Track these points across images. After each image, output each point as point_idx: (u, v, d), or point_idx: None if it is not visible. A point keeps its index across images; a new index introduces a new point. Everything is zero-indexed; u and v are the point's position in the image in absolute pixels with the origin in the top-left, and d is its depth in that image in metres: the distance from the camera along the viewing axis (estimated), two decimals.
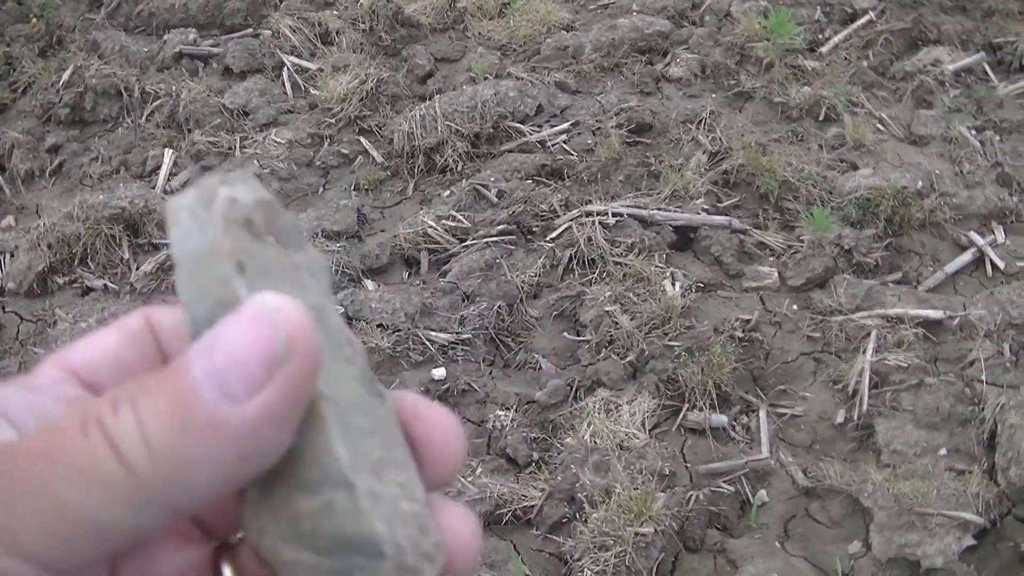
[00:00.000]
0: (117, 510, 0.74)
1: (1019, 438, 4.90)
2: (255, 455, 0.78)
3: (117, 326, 0.92)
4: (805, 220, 6.25)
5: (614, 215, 6.25)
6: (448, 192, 6.71)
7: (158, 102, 7.59)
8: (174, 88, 7.66)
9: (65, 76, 7.72)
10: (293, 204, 6.79)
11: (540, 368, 5.65)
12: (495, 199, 6.49)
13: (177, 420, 0.75)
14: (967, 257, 6.26)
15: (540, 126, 7.15)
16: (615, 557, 4.54)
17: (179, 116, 7.48)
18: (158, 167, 7.13)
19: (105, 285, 6.32)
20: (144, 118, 7.55)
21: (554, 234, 6.28)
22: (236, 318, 0.78)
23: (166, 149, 7.25)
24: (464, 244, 6.27)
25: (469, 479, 5.06)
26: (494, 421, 5.35)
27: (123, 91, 7.63)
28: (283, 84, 7.82)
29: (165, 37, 8.21)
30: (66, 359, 0.89)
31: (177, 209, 0.84)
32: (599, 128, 6.99)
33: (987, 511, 4.77)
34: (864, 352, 5.51)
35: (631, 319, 5.65)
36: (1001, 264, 6.19)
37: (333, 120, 7.39)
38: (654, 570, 4.65)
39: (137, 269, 6.39)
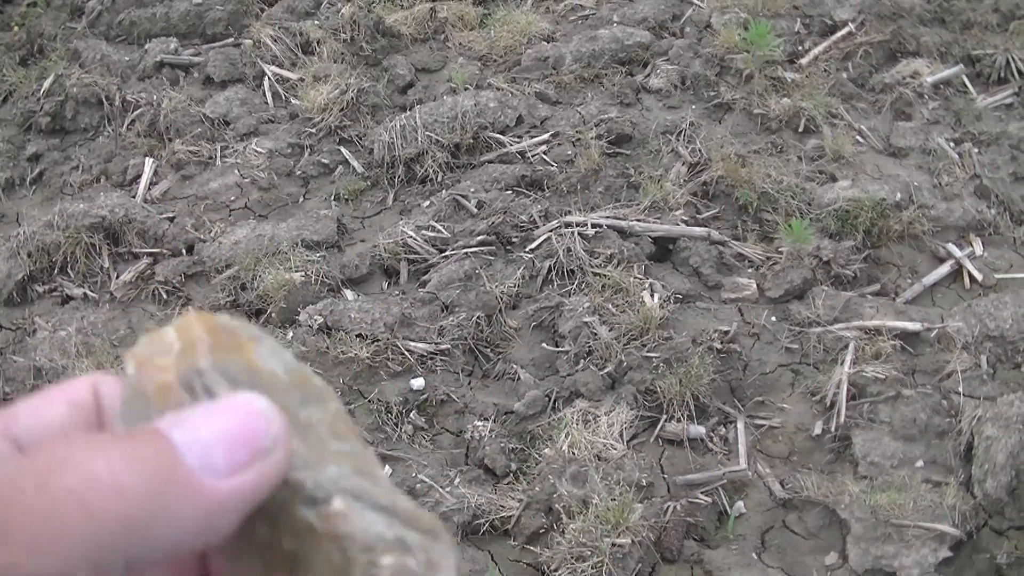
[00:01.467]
0: (71, 558, 0.73)
1: (995, 450, 4.92)
2: (217, 526, 0.79)
3: (63, 393, 0.92)
4: (784, 231, 6.27)
5: (593, 226, 6.27)
6: (428, 202, 6.71)
7: (139, 111, 7.60)
8: (155, 97, 7.66)
9: (46, 85, 7.73)
10: (274, 214, 6.80)
11: (518, 379, 5.66)
12: (475, 209, 6.50)
13: (154, 476, 0.76)
14: (945, 269, 6.28)
15: (520, 137, 7.16)
16: (592, 568, 4.56)
17: (160, 125, 7.48)
18: (139, 176, 7.13)
19: (85, 294, 6.32)
20: (125, 127, 7.55)
21: (533, 245, 6.29)
22: (226, 404, 0.82)
23: (147, 158, 7.25)
24: (443, 254, 6.28)
25: (447, 489, 5.07)
26: (472, 431, 5.37)
27: (104, 100, 7.63)
28: (264, 94, 7.83)
29: (146, 46, 8.21)
30: (8, 426, 0.88)
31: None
32: (579, 139, 7.00)
33: (963, 523, 4.79)
34: (842, 364, 5.53)
35: (609, 330, 5.67)
36: (979, 276, 6.21)
37: (313, 130, 7.40)
38: None
39: (117, 278, 6.39)
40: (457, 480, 5.15)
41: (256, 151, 7.24)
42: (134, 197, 6.91)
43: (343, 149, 7.27)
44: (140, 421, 0.85)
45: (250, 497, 0.80)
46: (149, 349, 0.88)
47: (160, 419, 0.81)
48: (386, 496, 0.86)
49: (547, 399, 5.49)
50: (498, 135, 7.13)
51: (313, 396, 0.91)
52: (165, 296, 6.28)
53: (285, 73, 7.93)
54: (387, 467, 5.23)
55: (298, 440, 0.85)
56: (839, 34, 8.07)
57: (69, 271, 6.44)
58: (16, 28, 8.40)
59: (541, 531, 4.87)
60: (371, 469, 0.89)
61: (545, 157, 6.97)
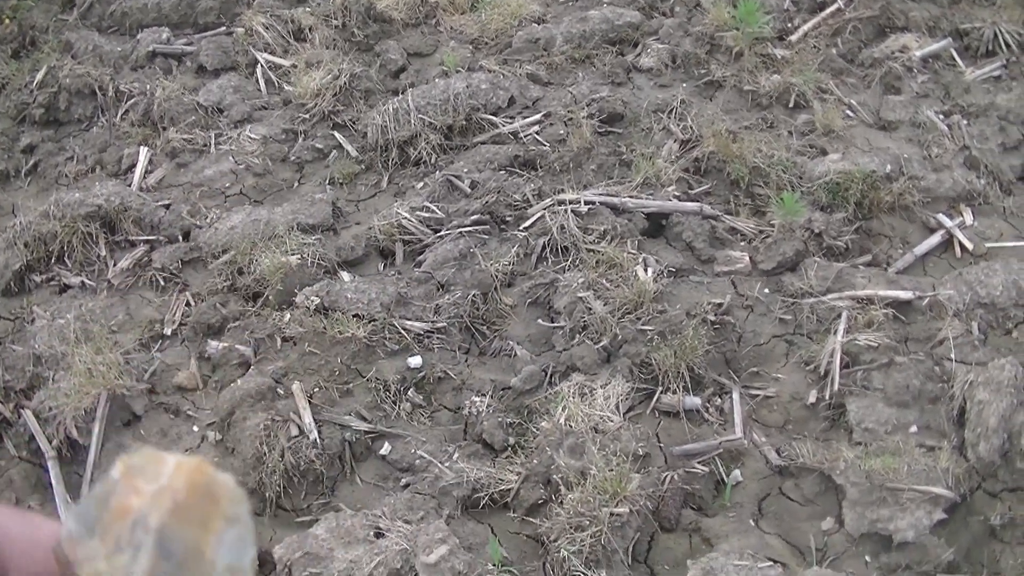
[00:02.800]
0: None
1: (988, 414, 4.97)
2: None
3: None
4: (775, 205, 6.31)
5: (586, 203, 6.31)
6: (422, 184, 6.75)
7: (132, 100, 7.64)
8: (148, 87, 7.70)
9: (39, 76, 7.77)
10: (269, 199, 6.83)
11: (515, 355, 5.70)
12: (468, 190, 6.54)
13: None
14: (936, 239, 6.33)
15: (512, 117, 7.20)
16: (591, 537, 4.60)
17: (153, 114, 7.52)
18: (133, 165, 7.17)
19: (82, 282, 6.36)
20: (119, 117, 7.59)
21: (527, 223, 6.34)
22: None
23: (141, 147, 7.29)
24: (438, 234, 6.32)
25: (446, 464, 5.12)
26: (470, 407, 5.41)
27: (97, 90, 7.67)
28: (257, 81, 7.86)
29: (138, 36, 8.26)
30: None
31: None
32: (571, 118, 7.05)
33: (957, 485, 4.84)
34: (835, 333, 5.58)
35: (604, 305, 5.71)
36: (969, 245, 6.25)
37: (307, 115, 7.43)
38: (630, 549, 4.71)
39: (114, 265, 6.43)
40: (456, 455, 5.20)
41: (250, 137, 7.27)
42: (129, 186, 6.94)
43: (337, 134, 7.30)
44: (88, 526, 0.89)
45: None
46: (141, 466, 0.92)
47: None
48: None
49: (544, 374, 5.53)
50: (490, 116, 7.17)
51: None
52: (162, 283, 6.32)
53: (277, 60, 7.97)
54: (387, 444, 5.27)
55: None
56: (828, 10, 8.11)
57: (66, 260, 6.47)
58: (7, 21, 8.43)
59: (540, 503, 4.92)
60: None
61: (538, 137, 7.01)
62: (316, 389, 5.44)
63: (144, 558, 0.87)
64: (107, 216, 6.55)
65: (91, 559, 0.88)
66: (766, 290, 6.02)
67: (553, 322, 5.84)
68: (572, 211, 6.25)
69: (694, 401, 5.40)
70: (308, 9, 8.36)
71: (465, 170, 6.70)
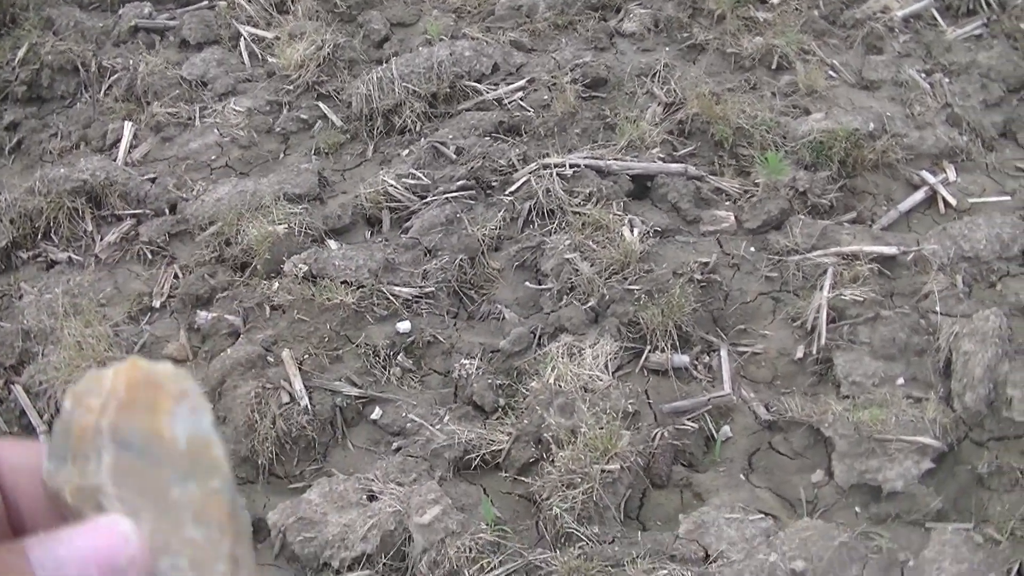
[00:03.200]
0: None
1: (973, 364, 5.01)
2: None
3: None
4: (760, 165, 6.34)
5: (571, 166, 6.33)
6: (407, 151, 6.77)
7: (115, 76, 7.63)
8: (131, 62, 7.69)
9: (20, 54, 7.75)
10: (255, 171, 6.84)
11: (503, 318, 5.73)
12: (454, 156, 6.56)
13: None
14: (920, 195, 6.36)
15: (496, 84, 7.22)
16: (583, 494, 4.63)
17: (137, 89, 7.51)
18: (118, 140, 7.17)
19: (69, 258, 6.37)
20: (102, 92, 7.58)
21: (513, 187, 6.36)
22: (91, 525, 0.86)
23: (126, 122, 7.29)
24: (425, 201, 6.34)
25: (437, 427, 5.14)
26: (460, 370, 5.43)
27: (80, 67, 7.66)
28: (240, 54, 7.86)
29: (120, 12, 8.25)
30: None
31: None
32: (555, 84, 7.06)
33: (944, 435, 4.88)
34: (821, 289, 5.61)
35: (591, 265, 5.73)
36: (953, 201, 6.29)
37: (291, 87, 7.44)
38: (622, 506, 4.75)
39: (101, 240, 6.44)
40: (447, 418, 5.22)
41: (235, 110, 7.28)
42: (115, 160, 6.94)
43: (321, 104, 7.31)
44: (63, 461, 0.91)
45: None
46: (86, 388, 0.93)
47: (31, 538, 0.84)
48: None
49: (532, 336, 5.56)
50: (474, 83, 7.19)
51: (201, 470, 0.93)
52: (150, 256, 6.33)
53: (261, 32, 7.96)
54: (378, 408, 5.30)
55: (153, 523, 0.88)
56: None
57: (53, 236, 6.48)
58: None
59: (531, 461, 4.95)
60: (212, 562, 0.91)
61: (522, 103, 7.02)
62: (306, 356, 5.46)
63: (106, 456, 0.89)
64: (93, 191, 6.55)
65: (69, 481, 0.91)
66: (752, 248, 6.05)
67: (541, 284, 5.86)
68: (557, 175, 6.27)
69: (682, 359, 5.43)
70: None
71: (450, 137, 6.72)
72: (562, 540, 4.60)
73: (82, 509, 0.90)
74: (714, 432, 5.15)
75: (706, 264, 5.84)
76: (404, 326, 5.64)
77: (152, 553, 0.86)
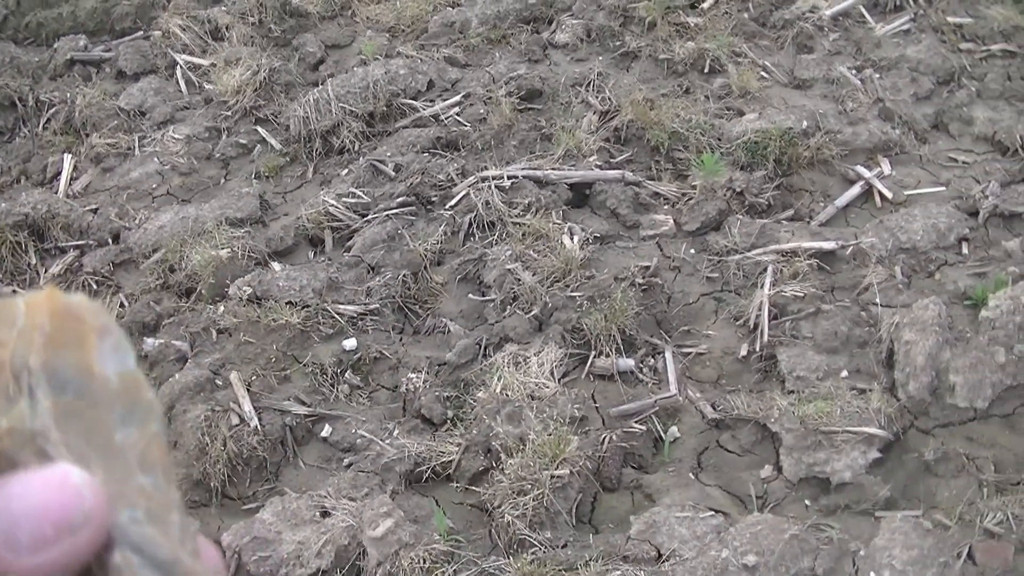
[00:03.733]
0: None
1: (915, 353, 5.07)
2: None
3: None
4: (696, 167, 6.41)
5: (510, 178, 6.37)
6: (347, 171, 6.80)
7: (53, 109, 7.63)
8: (68, 95, 7.69)
9: None
10: (196, 197, 6.85)
11: (448, 330, 5.76)
12: (393, 173, 6.59)
13: None
14: (856, 190, 6.43)
15: (432, 100, 7.26)
16: (534, 500, 4.66)
17: (76, 121, 7.52)
18: (59, 172, 7.17)
19: (14, 291, 6.34)
20: (41, 126, 7.59)
21: (453, 202, 6.40)
22: (42, 476, 0.83)
23: (65, 154, 7.29)
24: (366, 219, 6.37)
25: (387, 441, 5.16)
26: (407, 384, 5.45)
27: (17, 101, 7.66)
28: (177, 82, 7.88)
29: (55, 45, 8.25)
30: None
31: None
32: (490, 98, 7.11)
33: (890, 424, 4.94)
34: (762, 287, 5.67)
35: (533, 275, 5.77)
36: (889, 194, 6.36)
37: (229, 112, 7.46)
38: (573, 510, 4.78)
39: (45, 272, 6.43)
40: (396, 432, 5.24)
41: (174, 138, 7.29)
42: (56, 193, 6.95)
43: (260, 128, 7.34)
44: None
45: (53, 572, 0.81)
46: None
47: None
48: (169, 550, 0.87)
49: (478, 347, 5.59)
50: (411, 101, 7.23)
51: (138, 412, 0.91)
52: (95, 286, 6.33)
53: (196, 60, 7.98)
54: (328, 426, 5.31)
55: (104, 472, 0.86)
56: None
57: None
58: None
59: (482, 471, 4.97)
60: (166, 512, 0.89)
61: (458, 118, 7.07)
62: (254, 377, 5.47)
63: (44, 398, 0.86)
64: (35, 224, 6.56)
65: None
66: (692, 250, 6.10)
67: (484, 296, 5.90)
68: (496, 187, 6.31)
69: (627, 363, 5.47)
70: (224, 8, 8.38)
71: (388, 154, 6.75)
72: (515, 547, 4.62)
73: (17, 453, 0.85)
74: (662, 433, 5.19)
75: (647, 268, 5.89)
76: (350, 343, 5.66)
77: (109, 505, 0.84)
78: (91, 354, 0.90)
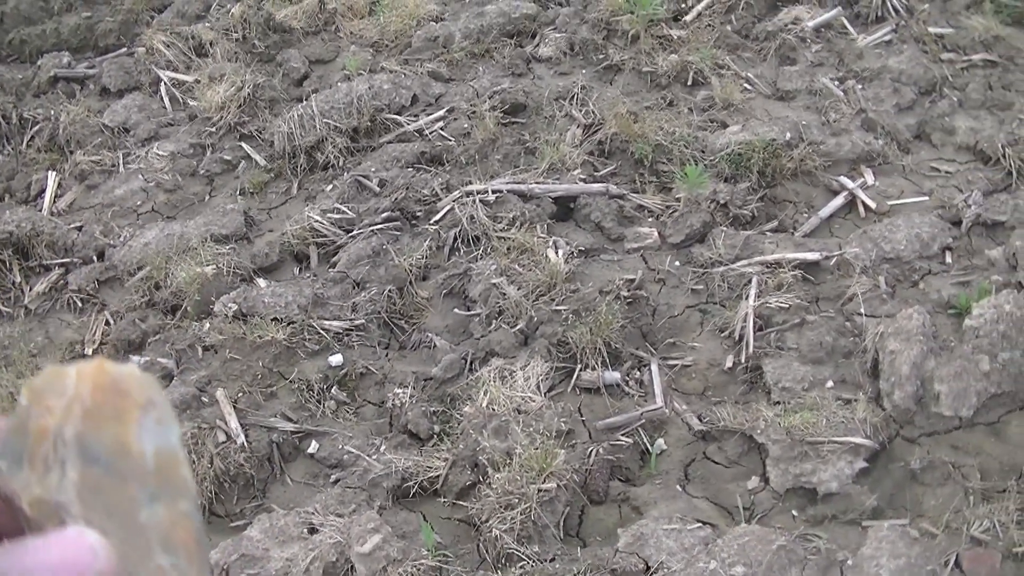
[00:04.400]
0: None
1: (900, 362, 5.09)
2: None
3: None
4: (680, 180, 6.42)
5: (494, 192, 6.38)
6: (331, 187, 6.80)
7: (37, 127, 7.61)
8: (52, 112, 7.68)
9: None
10: (181, 214, 6.85)
11: (434, 345, 5.76)
12: (377, 188, 6.60)
13: None
14: (839, 201, 6.45)
15: (416, 115, 7.27)
16: (521, 514, 4.66)
17: (60, 138, 7.51)
18: (43, 190, 7.16)
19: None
20: (24, 144, 7.56)
21: (437, 216, 6.41)
22: (59, 537, 0.84)
23: (49, 172, 7.28)
24: (351, 234, 6.38)
25: (374, 457, 5.17)
26: (394, 400, 5.46)
27: (0, 119, 7.63)
28: (161, 98, 7.87)
29: (39, 62, 8.24)
30: None
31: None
32: (474, 112, 7.12)
33: (876, 434, 4.96)
34: (746, 298, 5.69)
35: (518, 289, 5.78)
36: (872, 204, 6.38)
37: (213, 129, 7.46)
38: (561, 523, 4.79)
39: (30, 290, 6.43)
40: (383, 447, 5.25)
41: (158, 155, 7.29)
42: (40, 211, 6.94)
43: (244, 144, 7.34)
44: (15, 458, 0.89)
45: None
46: (46, 385, 0.91)
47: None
48: None
49: (464, 361, 5.59)
50: (395, 116, 7.23)
51: (169, 490, 0.92)
52: (80, 304, 6.32)
53: (180, 76, 7.98)
54: (314, 442, 5.32)
55: (121, 546, 0.87)
56: None
57: None
58: None
59: (469, 486, 4.98)
60: None
61: (442, 132, 7.08)
62: (240, 394, 5.47)
63: (72, 470, 0.87)
64: (19, 242, 6.54)
65: (26, 488, 0.88)
66: (676, 263, 6.12)
67: (469, 310, 5.90)
68: (480, 201, 6.32)
69: (613, 376, 5.48)
70: (208, 24, 8.37)
71: (373, 170, 6.76)
72: (503, 561, 4.63)
73: (43, 523, 0.88)
74: (649, 446, 5.19)
75: (632, 281, 5.90)
76: (336, 359, 5.66)
77: (122, 570, 0.85)
78: (130, 429, 0.91)
